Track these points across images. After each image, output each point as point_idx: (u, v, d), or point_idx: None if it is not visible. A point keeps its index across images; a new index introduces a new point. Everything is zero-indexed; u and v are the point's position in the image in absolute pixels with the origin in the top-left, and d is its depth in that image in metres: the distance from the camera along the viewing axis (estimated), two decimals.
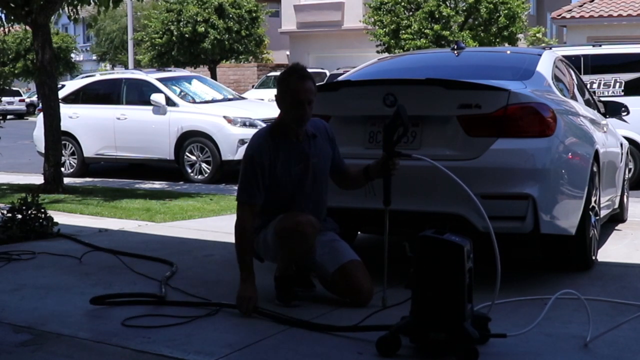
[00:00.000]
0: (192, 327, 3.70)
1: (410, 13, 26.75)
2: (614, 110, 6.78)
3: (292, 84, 4.02)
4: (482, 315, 3.46)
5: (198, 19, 29.21)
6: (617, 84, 10.06)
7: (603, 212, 5.63)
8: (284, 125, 4.11)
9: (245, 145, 12.57)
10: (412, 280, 3.31)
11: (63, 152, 11.12)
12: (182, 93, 12.70)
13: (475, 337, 3.21)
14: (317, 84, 4.21)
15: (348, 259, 4.13)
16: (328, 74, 23.45)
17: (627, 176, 7.19)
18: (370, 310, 3.80)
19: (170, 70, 14.66)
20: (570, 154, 4.70)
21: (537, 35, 30.75)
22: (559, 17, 23.31)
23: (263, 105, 14.13)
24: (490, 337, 3.40)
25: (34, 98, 36.83)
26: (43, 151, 10.15)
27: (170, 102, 12.07)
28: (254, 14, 30.86)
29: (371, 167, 4.14)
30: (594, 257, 5.08)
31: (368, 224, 4.99)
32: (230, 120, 11.66)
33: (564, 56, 6.62)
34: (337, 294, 4.16)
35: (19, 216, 6.18)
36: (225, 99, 13.15)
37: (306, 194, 4.16)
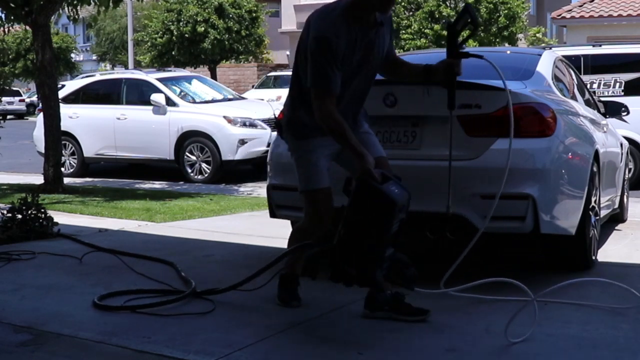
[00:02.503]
0: (192, 327, 3.70)
1: (410, 13, 26.77)
2: (614, 110, 6.78)
3: None
4: (401, 259, 3.60)
5: (198, 19, 29.21)
6: (617, 84, 10.06)
7: (603, 212, 5.63)
8: (362, 8, 3.64)
9: (245, 145, 12.59)
10: (343, 215, 3.50)
11: (63, 152, 11.12)
12: (182, 93, 12.70)
13: (379, 287, 3.50)
14: None
15: (379, 154, 3.83)
16: None
17: (627, 176, 7.18)
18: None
19: (170, 70, 14.67)
20: (570, 154, 4.70)
21: (537, 35, 30.73)
22: (559, 17, 23.31)
23: (263, 105, 14.14)
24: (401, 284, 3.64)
25: (34, 98, 36.83)
26: (43, 151, 10.15)
27: (170, 102, 12.07)
28: (254, 14, 30.86)
29: (434, 68, 3.92)
30: (594, 257, 5.08)
31: None
32: (230, 120, 11.67)
33: (564, 56, 6.62)
34: None
35: (19, 216, 6.18)
36: (225, 99, 13.15)
37: (352, 89, 3.77)
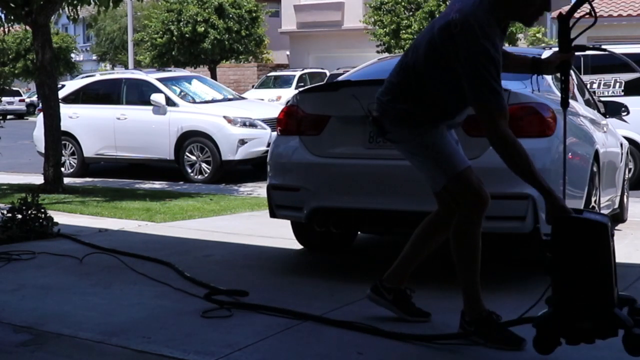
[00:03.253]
0: (192, 327, 3.70)
1: (410, 13, 26.75)
2: (614, 110, 6.78)
3: None
4: (626, 297, 3.10)
5: (198, 19, 29.20)
6: (617, 84, 10.06)
7: (603, 212, 5.63)
8: (503, 13, 3.31)
9: (245, 145, 12.57)
10: (551, 265, 2.99)
11: (63, 152, 11.12)
12: (182, 93, 12.70)
13: (630, 324, 2.92)
14: (317, 84, 4.20)
15: (468, 164, 3.54)
16: (328, 74, 23.45)
17: (627, 176, 7.19)
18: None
19: (170, 70, 14.68)
20: (570, 154, 4.70)
21: (537, 35, 30.72)
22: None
23: (263, 105, 14.13)
24: None
25: (34, 98, 36.80)
26: (43, 151, 10.15)
27: (170, 102, 12.07)
28: (254, 14, 30.85)
29: (544, 61, 3.63)
30: None
31: (368, 224, 4.99)
32: (230, 120, 11.67)
33: None
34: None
35: (19, 216, 6.18)
36: (225, 99, 13.15)
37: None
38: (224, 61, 31.85)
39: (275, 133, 5.39)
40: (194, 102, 12.53)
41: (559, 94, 5.12)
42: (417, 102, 3.47)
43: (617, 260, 5.28)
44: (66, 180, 10.37)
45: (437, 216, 3.74)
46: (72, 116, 12.52)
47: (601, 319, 2.94)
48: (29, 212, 6.21)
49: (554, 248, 3.00)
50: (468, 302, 3.46)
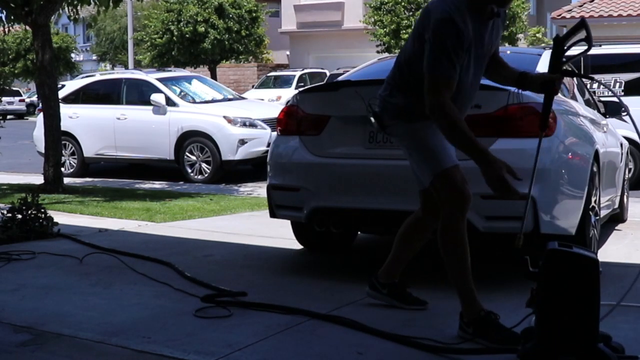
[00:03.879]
0: (192, 327, 3.70)
1: (410, 13, 26.76)
2: (614, 110, 6.78)
3: None
4: (603, 334, 3.07)
5: (198, 19, 29.21)
6: (617, 84, 10.06)
7: (603, 212, 5.62)
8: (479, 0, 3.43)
9: (245, 145, 12.59)
10: (536, 298, 2.99)
11: (63, 152, 11.12)
12: (182, 93, 12.70)
13: (614, 358, 2.93)
14: (316, 84, 4.19)
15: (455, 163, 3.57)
16: (328, 74, 23.45)
17: (627, 176, 7.18)
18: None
19: (170, 70, 14.67)
20: (570, 154, 4.70)
21: (537, 35, 30.74)
22: (559, 17, 23.31)
23: (263, 105, 14.11)
24: (624, 358, 3.08)
25: (34, 98, 36.81)
26: (43, 151, 10.15)
27: (170, 102, 12.07)
28: (254, 14, 30.86)
29: (529, 77, 3.64)
30: None
31: (368, 224, 4.99)
32: (230, 120, 11.67)
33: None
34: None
35: (19, 216, 6.18)
36: (225, 99, 13.15)
37: (466, 87, 3.52)
38: (224, 61, 31.86)
39: (275, 133, 5.39)
40: (194, 102, 12.52)
41: (559, 94, 5.14)
42: (411, 96, 3.55)
43: (617, 260, 5.31)
44: (66, 180, 10.37)
45: (415, 219, 3.89)
46: (72, 116, 12.52)
47: (585, 353, 2.93)
48: (29, 212, 6.21)
49: (542, 280, 3.00)
50: (464, 302, 3.49)
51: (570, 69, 3.57)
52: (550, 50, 3.59)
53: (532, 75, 3.70)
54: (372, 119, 3.75)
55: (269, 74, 29.39)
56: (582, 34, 3.44)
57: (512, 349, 3.19)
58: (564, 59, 3.52)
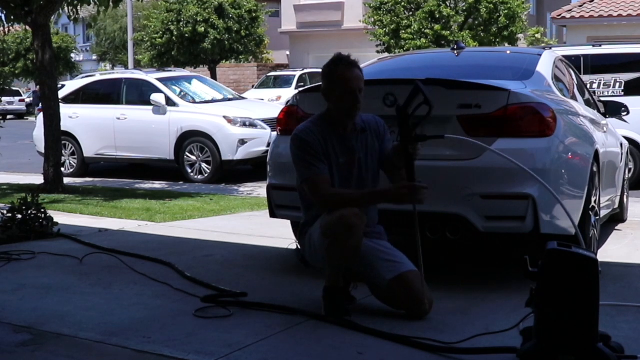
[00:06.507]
0: (192, 327, 3.70)
1: (410, 13, 26.75)
2: (614, 110, 6.78)
3: (340, 73, 3.84)
4: (602, 333, 3.11)
5: (198, 19, 29.21)
6: (617, 84, 10.06)
7: (603, 212, 5.63)
8: (333, 117, 3.91)
9: (245, 145, 12.58)
10: (536, 298, 3.03)
11: (63, 152, 11.12)
12: (182, 93, 12.70)
13: (614, 359, 2.97)
14: (316, 84, 4.20)
15: (408, 269, 3.85)
16: None
17: (627, 176, 7.18)
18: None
19: (170, 70, 14.66)
20: (570, 154, 4.70)
21: (537, 35, 30.74)
22: (559, 17, 23.31)
23: (263, 105, 14.09)
24: (623, 358, 3.11)
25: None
26: (43, 151, 10.15)
27: (170, 102, 12.06)
28: (254, 14, 30.87)
29: (393, 155, 3.91)
30: None
31: None
32: (230, 120, 11.66)
33: (564, 56, 6.62)
34: (391, 304, 3.89)
35: (19, 216, 6.18)
36: (225, 99, 13.15)
37: (353, 185, 3.93)
38: (224, 61, 31.87)
39: (275, 133, 5.39)
40: (194, 102, 12.52)
41: (559, 94, 5.15)
42: None
43: (617, 260, 5.31)
44: (66, 180, 10.37)
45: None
46: (72, 116, 12.52)
47: (585, 353, 2.96)
48: (29, 212, 6.22)
49: (542, 280, 3.02)
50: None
51: (419, 134, 3.74)
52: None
53: (393, 152, 3.90)
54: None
55: (269, 74, 29.37)
56: (421, 98, 3.59)
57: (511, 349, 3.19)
58: (411, 125, 3.67)
